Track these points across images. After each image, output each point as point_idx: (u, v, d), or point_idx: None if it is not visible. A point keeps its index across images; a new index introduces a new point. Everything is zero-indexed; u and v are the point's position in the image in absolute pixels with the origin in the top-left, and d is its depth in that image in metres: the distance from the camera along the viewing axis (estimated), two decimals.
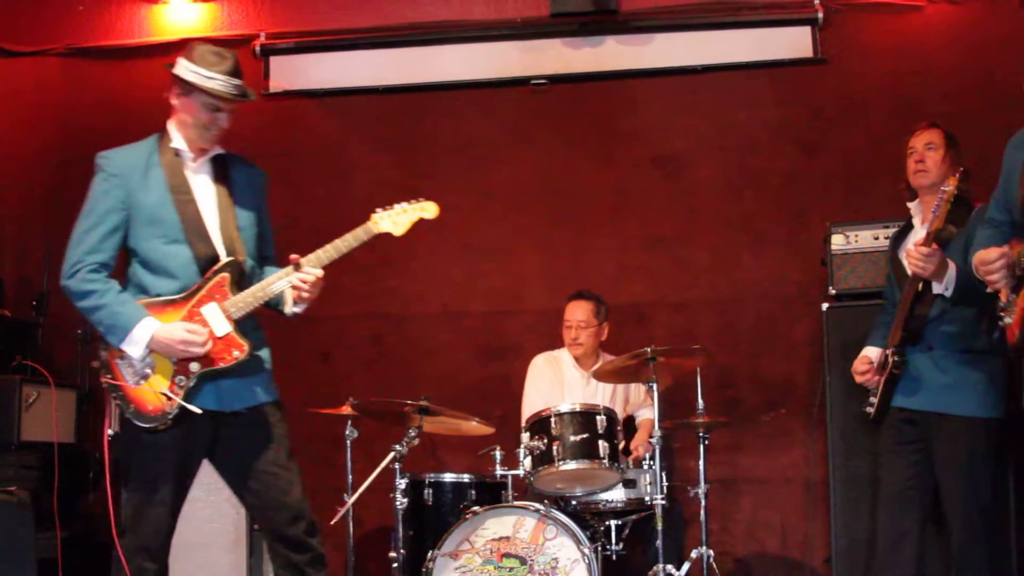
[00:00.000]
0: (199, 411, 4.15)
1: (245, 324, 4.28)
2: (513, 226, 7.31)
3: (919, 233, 4.93)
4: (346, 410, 5.98)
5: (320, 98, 7.50)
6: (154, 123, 4.37)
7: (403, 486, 5.61)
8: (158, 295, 4.24)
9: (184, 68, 4.26)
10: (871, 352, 5.17)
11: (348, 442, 6.02)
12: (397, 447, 5.52)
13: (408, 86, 7.44)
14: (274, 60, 7.46)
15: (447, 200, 7.16)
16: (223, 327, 4.20)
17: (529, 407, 6.32)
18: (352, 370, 7.26)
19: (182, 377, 4.18)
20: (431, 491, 5.82)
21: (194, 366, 4.18)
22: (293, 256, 4.25)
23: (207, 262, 4.25)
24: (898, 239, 5.21)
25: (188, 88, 4.26)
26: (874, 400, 5.02)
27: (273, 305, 4.39)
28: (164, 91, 4.40)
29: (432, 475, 5.91)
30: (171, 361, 4.18)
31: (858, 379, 5.16)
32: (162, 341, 4.13)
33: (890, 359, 4.90)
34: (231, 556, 6.04)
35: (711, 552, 5.67)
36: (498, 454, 5.73)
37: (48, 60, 7.66)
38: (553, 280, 7.13)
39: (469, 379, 7.20)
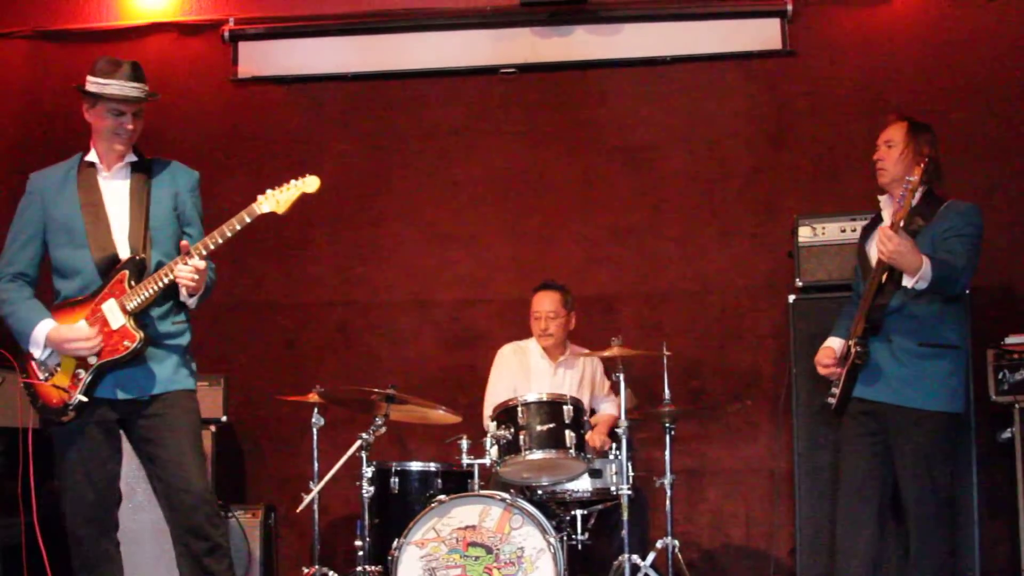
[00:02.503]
0: (84, 399, 4.41)
1: (151, 316, 4.49)
2: (481, 215, 7.30)
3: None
4: (312, 398, 5.96)
5: (289, 84, 7.45)
6: None
7: (369, 474, 5.62)
8: (65, 297, 4.55)
9: (88, 82, 4.50)
10: (834, 343, 5.16)
11: (314, 430, 6.00)
12: (363, 435, 5.53)
13: (377, 73, 7.41)
14: (243, 46, 7.40)
15: (415, 188, 7.25)
16: (118, 320, 4.43)
17: (493, 397, 6.30)
18: (319, 358, 7.22)
19: (81, 371, 4.43)
20: (397, 479, 5.83)
21: (92, 359, 4.43)
22: (183, 243, 4.43)
23: (107, 262, 4.48)
24: (867, 232, 5.20)
25: (93, 100, 4.52)
26: (836, 391, 5.02)
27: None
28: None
29: (398, 464, 5.91)
30: (75, 358, 4.43)
31: (821, 371, 5.14)
32: (53, 341, 4.43)
33: (852, 349, 4.90)
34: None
35: (676, 542, 5.69)
36: (465, 443, 5.72)
37: (14, 43, 7.57)
38: (520, 269, 7.12)
39: (436, 367, 7.17)
